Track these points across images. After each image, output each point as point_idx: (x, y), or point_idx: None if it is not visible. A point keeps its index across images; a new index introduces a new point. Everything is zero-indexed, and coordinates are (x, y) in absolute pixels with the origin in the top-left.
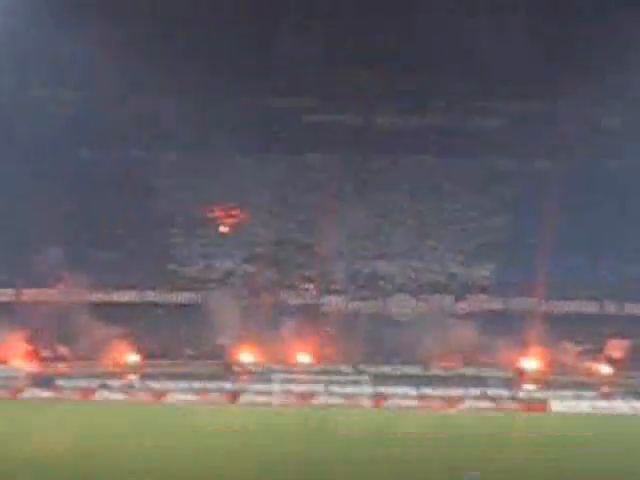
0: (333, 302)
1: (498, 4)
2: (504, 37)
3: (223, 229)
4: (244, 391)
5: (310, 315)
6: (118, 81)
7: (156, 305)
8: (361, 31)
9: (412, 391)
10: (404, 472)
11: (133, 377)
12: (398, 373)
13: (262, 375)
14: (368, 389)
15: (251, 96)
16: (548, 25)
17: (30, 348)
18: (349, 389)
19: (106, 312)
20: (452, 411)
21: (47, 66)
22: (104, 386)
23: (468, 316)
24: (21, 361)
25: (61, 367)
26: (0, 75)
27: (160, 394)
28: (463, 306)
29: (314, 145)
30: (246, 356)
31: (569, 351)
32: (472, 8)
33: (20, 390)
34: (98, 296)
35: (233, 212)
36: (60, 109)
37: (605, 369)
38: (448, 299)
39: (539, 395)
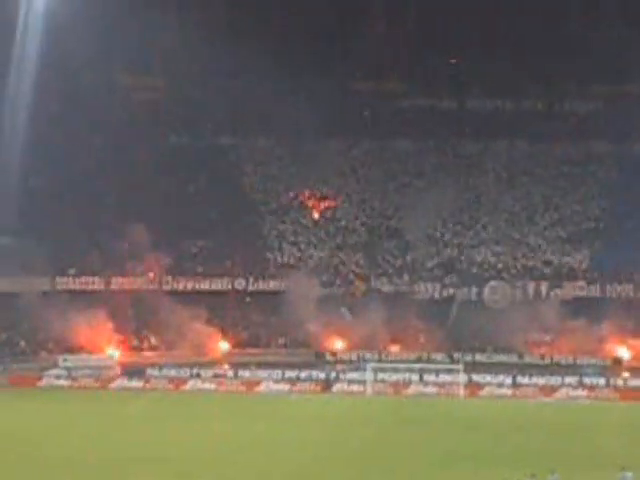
0: (426, 289)
1: None
2: (599, 19)
3: (314, 216)
4: (337, 380)
5: (403, 303)
6: (206, 67)
7: (247, 293)
8: (453, 13)
9: (507, 379)
10: (498, 461)
11: (225, 366)
12: (493, 361)
13: (355, 364)
14: (462, 378)
15: (342, 81)
16: None
17: (120, 337)
18: (443, 378)
19: (196, 300)
20: (547, 400)
21: (134, 53)
22: (195, 375)
23: (564, 303)
24: (111, 350)
25: (152, 356)
26: (88, 64)
27: (252, 383)
28: (559, 293)
29: (405, 130)
30: (338, 345)
31: None
32: None
33: (111, 380)
34: (188, 284)
35: (324, 198)
36: (148, 96)
37: None
38: (544, 286)
39: (636, 383)
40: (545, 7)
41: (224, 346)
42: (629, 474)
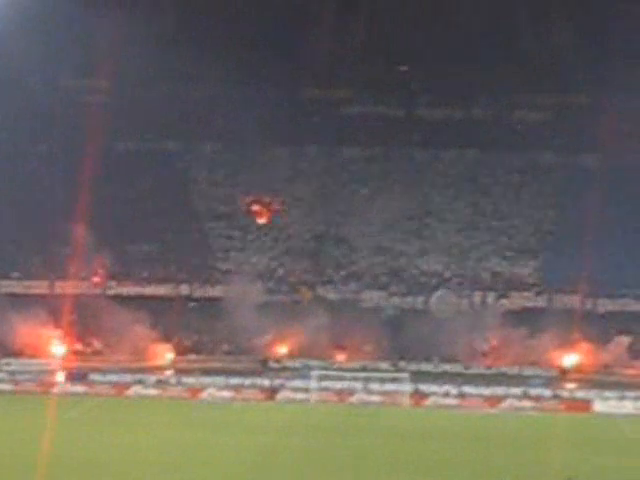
0: (373, 298)
1: None
2: (548, 29)
3: (261, 222)
4: (281, 388)
5: (349, 311)
6: (154, 71)
7: (192, 299)
8: (402, 20)
9: (452, 389)
10: (442, 471)
11: (168, 372)
12: (438, 371)
13: (299, 372)
14: (408, 387)
15: (289, 87)
16: (593, 16)
17: (63, 342)
18: (388, 387)
19: (140, 305)
20: (493, 410)
21: (79, 56)
22: (138, 381)
23: (510, 314)
24: (54, 355)
25: (95, 361)
26: (32, 66)
27: (195, 390)
28: (505, 303)
29: (353, 137)
30: (283, 352)
31: (613, 350)
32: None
33: (53, 385)
34: (132, 289)
35: (271, 205)
36: (94, 99)
37: None
38: (490, 296)
39: (582, 395)
40: (495, 16)
41: (168, 352)
42: None
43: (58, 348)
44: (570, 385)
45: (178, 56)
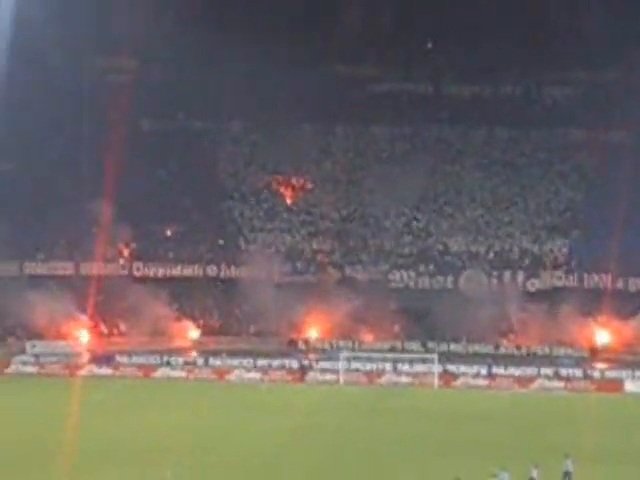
0: (400, 278)
1: None
2: (577, 5)
3: (288, 202)
4: (310, 369)
5: (377, 291)
6: (180, 50)
7: (219, 280)
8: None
9: (482, 370)
10: (473, 452)
11: (195, 354)
12: (468, 351)
13: (328, 353)
14: (437, 368)
15: (316, 65)
16: None
17: (89, 324)
18: (417, 367)
19: (167, 286)
20: (523, 391)
21: (105, 35)
22: (165, 363)
23: (541, 293)
24: (80, 337)
25: (121, 343)
26: (58, 45)
27: (223, 371)
28: (536, 282)
29: (381, 115)
30: (311, 333)
31: None
32: None
33: (79, 367)
34: (159, 270)
35: (298, 184)
36: (120, 78)
37: None
38: (520, 275)
39: (613, 375)
40: None
41: (195, 333)
42: (569, 461)
43: (84, 330)
44: (601, 365)
45: (205, 35)
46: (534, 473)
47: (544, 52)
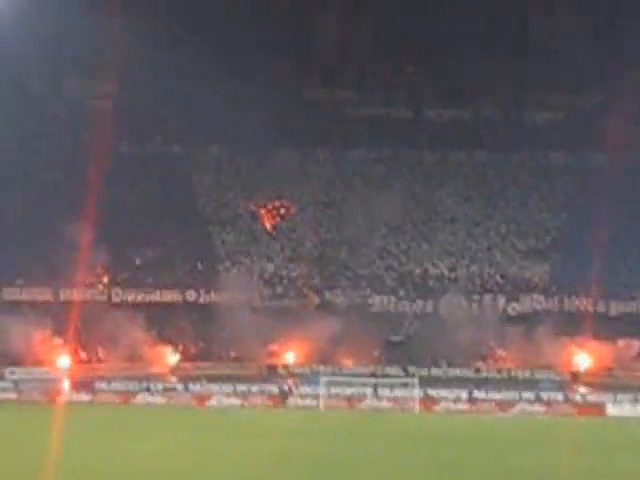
0: (381, 302)
1: None
2: (558, 28)
3: (267, 226)
4: (289, 394)
5: (358, 316)
6: (159, 74)
7: (198, 305)
8: (410, 20)
9: (463, 394)
10: (453, 476)
11: (174, 380)
12: (449, 375)
13: (308, 378)
14: (417, 392)
15: (295, 89)
16: (604, 13)
17: (68, 350)
18: (398, 392)
19: (147, 312)
20: (504, 415)
21: (84, 59)
22: (145, 389)
23: (521, 317)
24: (60, 363)
25: (100, 370)
26: (36, 69)
27: (203, 397)
28: (516, 306)
29: (360, 139)
30: (291, 358)
31: (626, 353)
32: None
33: (58, 393)
34: (138, 296)
35: (277, 209)
36: (99, 103)
37: None
38: (501, 299)
39: (595, 399)
40: (504, 15)
41: (174, 359)
42: None
43: (63, 356)
44: (582, 389)
45: (183, 59)
46: None
47: (525, 75)
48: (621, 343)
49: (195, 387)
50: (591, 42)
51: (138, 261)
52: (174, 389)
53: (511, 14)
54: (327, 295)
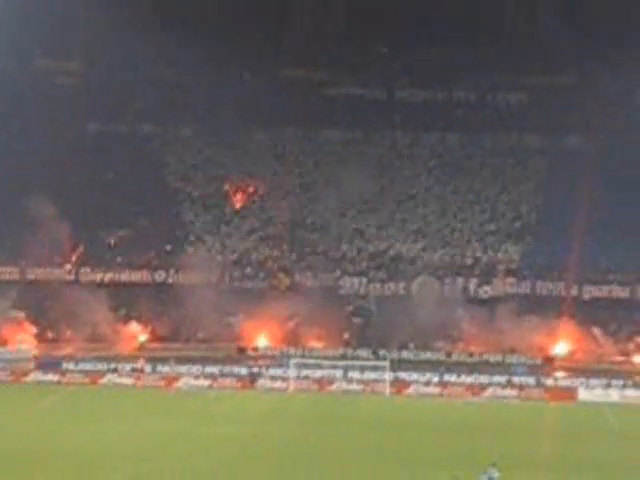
0: (352, 284)
1: None
2: (531, 9)
3: (238, 207)
4: (259, 376)
5: (328, 297)
6: (129, 53)
7: (167, 285)
8: (383, 1)
9: (434, 378)
10: (423, 461)
11: (142, 361)
12: (420, 359)
13: (277, 359)
14: (388, 375)
15: (267, 68)
16: None
17: (35, 329)
18: (368, 375)
19: (115, 292)
20: (475, 399)
21: (53, 37)
22: (112, 370)
23: (493, 300)
24: (26, 343)
25: (68, 350)
26: (4, 47)
27: (171, 379)
28: (488, 290)
29: (333, 120)
30: (260, 340)
31: (599, 338)
32: None
33: (25, 373)
34: (106, 276)
35: (248, 189)
36: (68, 81)
37: (637, 357)
38: (473, 282)
39: (567, 383)
40: None
41: (142, 340)
42: (495, 472)
43: (29, 336)
44: (555, 373)
45: (154, 38)
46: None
47: (498, 56)
48: (596, 331)
49: (163, 368)
50: (565, 23)
51: (107, 241)
52: (142, 370)
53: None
54: (297, 277)
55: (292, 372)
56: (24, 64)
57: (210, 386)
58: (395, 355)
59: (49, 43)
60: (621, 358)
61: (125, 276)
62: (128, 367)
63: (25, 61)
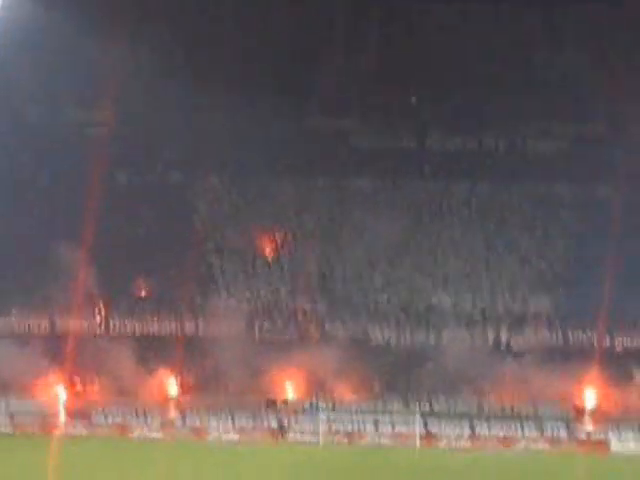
0: (383, 334)
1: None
2: (563, 57)
3: (267, 257)
4: (288, 429)
5: (359, 349)
6: (158, 103)
7: (197, 337)
8: (412, 49)
9: (465, 430)
10: None
11: (172, 413)
12: (450, 411)
13: (308, 412)
14: (419, 428)
15: (296, 117)
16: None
17: (65, 382)
18: (399, 428)
19: (144, 344)
20: (507, 451)
21: (82, 86)
22: (142, 423)
23: (525, 351)
24: (55, 395)
25: (98, 402)
26: (32, 96)
27: (200, 431)
28: (519, 340)
29: (362, 169)
30: (291, 392)
31: (632, 389)
32: (531, 25)
33: (54, 426)
34: (137, 327)
35: (277, 239)
36: (96, 131)
37: None
38: (504, 332)
39: (599, 436)
40: (508, 44)
41: (172, 392)
42: None
43: (59, 388)
44: (587, 425)
45: (182, 87)
46: None
47: (528, 104)
48: (629, 379)
49: (193, 421)
50: (596, 72)
51: (136, 292)
52: (172, 423)
53: (515, 44)
54: (327, 327)
55: (322, 425)
56: (51, 114)
57: (240, 439)
58: (426, 407)
59: (76, 92)
60: None
61: (154, 327)
62: (158, 420)
63: (52, 111)
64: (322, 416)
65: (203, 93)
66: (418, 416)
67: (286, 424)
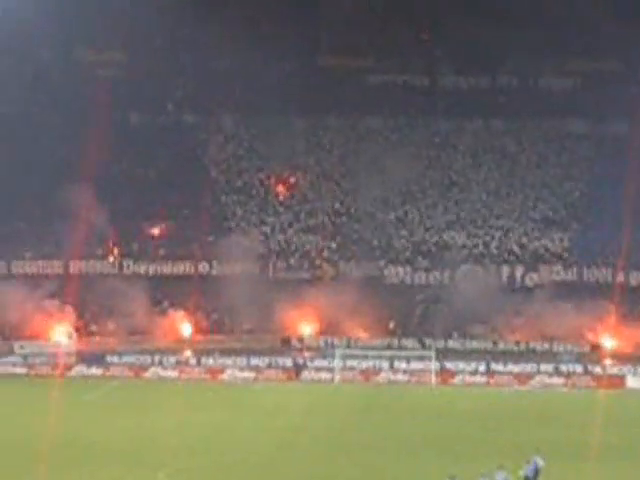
0: (396, 273)
1: None
2: None
3: (280, 197)
4: (304, 367)
5: (373, 287)
6: (169, 43)
7: (211, 277)
8: None
9: (480, 367)
10: (470, 450)
11: (187, 353)
12: (466, 348)
13: (322, 350)
14: (434, 365)
15: (309, 56)
16: None
17: (78, 323)
18: (414, 365)
19: (158, 284)
20: (522, 388)
21: (94, 28)
22: (157, 363)
23: (540, 287)
24: (69, 337)
25: (111, 343)
26: (45, 38)
27: (216, 371)
28: (534, 277)
29: (375, 107)
30: (305, 331)
31: None
32: None
33: (69, 367)
34: (150, 268)
35: (290, 179)
36: (109, 72)
37: None
38: (519, 270)
39: (615, 371)
40: None
41: (187, 332)
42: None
43: (73, 330)
44: (602, 361)
45: (194, 27)
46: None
47: (542, 42)
48: None
49: (208, 361)
50: (609, 8)
51: (149, 233)
52: (186, 362)
53: None
54: (342, 266)
55: (337, 363)
56: (64, 55)
57: (255, 378)
58: (441, 344)
59: (89, 33)
60: None
61: (168, 268)
62: (172, 360)
63: (65, 52)
64: (337, 354)
65: (215, 34)
66: (433, 353)
67: (301, 362)
